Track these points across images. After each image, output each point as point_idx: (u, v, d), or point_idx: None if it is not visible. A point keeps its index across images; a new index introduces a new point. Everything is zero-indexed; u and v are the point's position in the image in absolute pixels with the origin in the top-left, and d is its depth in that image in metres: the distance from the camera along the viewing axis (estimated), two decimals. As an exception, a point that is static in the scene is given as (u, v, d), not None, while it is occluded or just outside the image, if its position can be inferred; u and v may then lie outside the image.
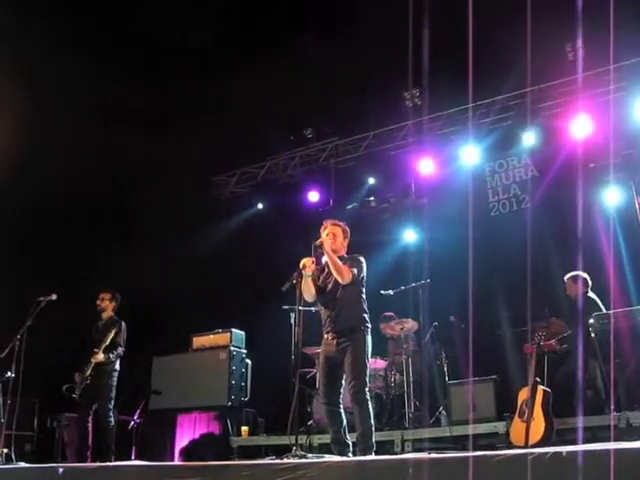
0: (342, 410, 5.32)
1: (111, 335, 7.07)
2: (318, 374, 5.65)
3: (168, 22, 8.72)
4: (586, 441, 5.18)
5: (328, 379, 5.38)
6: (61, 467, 5.05)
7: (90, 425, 7.05)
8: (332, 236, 5.54)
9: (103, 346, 7.05)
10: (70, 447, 8.40)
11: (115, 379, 7.21)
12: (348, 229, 5.70)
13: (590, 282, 7.02)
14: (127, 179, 9.86)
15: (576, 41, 8.04)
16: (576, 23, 6.49)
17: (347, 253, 5.66)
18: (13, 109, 8.44)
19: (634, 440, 4.59)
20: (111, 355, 7.11)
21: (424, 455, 3.81)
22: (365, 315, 5.45)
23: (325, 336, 5.46)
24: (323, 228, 5.61)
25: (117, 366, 7.24)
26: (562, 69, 8.55)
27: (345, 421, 5.30)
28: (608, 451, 2.91)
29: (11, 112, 8.44)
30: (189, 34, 8.69)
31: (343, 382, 5.34)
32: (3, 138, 8.51)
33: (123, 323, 7.30)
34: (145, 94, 9.29)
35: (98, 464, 6.13)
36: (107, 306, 7.40)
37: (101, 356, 7.03)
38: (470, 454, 3.13)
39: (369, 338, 5.38)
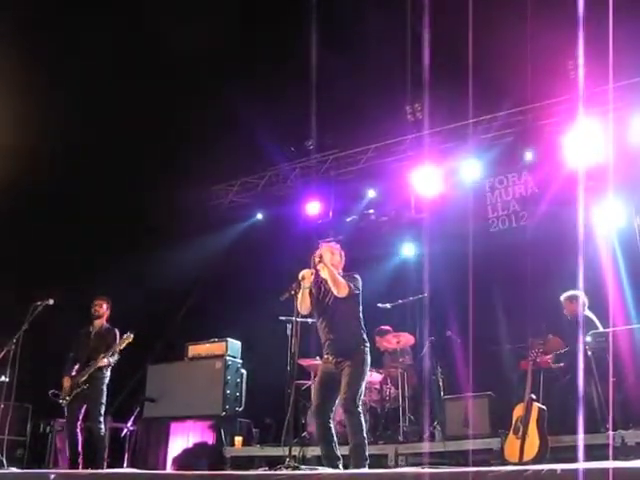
0: (332, 424, 5.35)
1: (125, 343, 7.09)
2: (313, 388, 5.64)
3: (170, 30, 8.74)
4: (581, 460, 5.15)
5: (322, 393, 5.40)
6: (52, 473, 5.03)
7: (79, 431, 7.01)
8: (330, 252, 5.59)
9: (112, 351, 7.06)
10: (62, 453, 8.35)
11: (106, 386, 7.18)
12: (343, 253, 5.74)
13: (587, 301, 7.01)
14: (127, 187, 9.86)
15: (577, 59, 8.08)
16: (578, 41, 6.52)
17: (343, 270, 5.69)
18: (13, 109, 8.45)
19: (629, 459, 4.57)
20: (111, 360, 7.11)
21: (420, 469, 3.79)
22: (363, 334, 5.49)
23: (325, 356, 5.51)
24: (318, 251, 5.63)
25: (108, 373, 7.21)
26: (564, 87, 8.58)
27: (335, 435, 5.32)
28: (603, 470, 2.90)
29: (11, 112, 8.45)
30: (189, 44, 8.72)
31: (337, 399, 5.35)
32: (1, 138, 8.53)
33: (117, 331, 7.29)
34: (148, 102, 9.31)
35: (89, 471, 6.11)
36: (104, 313, 7.39)
37: (106, 361, 7.04)
38: (468, 469, 3.12)
39: (368, 357, 5.42)
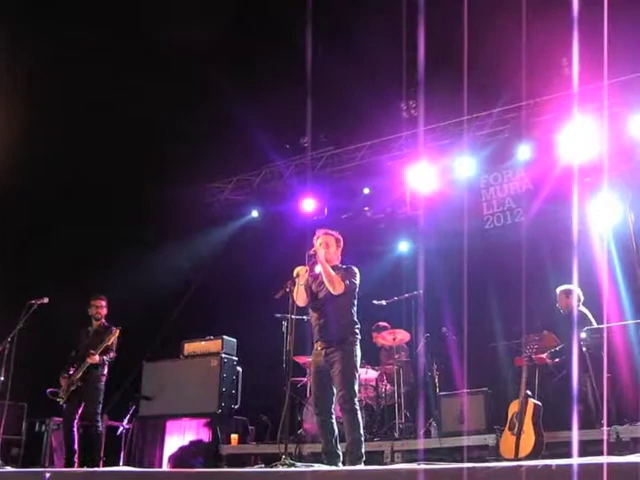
0: (334, 420, 5.33)
1: (112, 339, 7.09)
2: (310, 384, 5.64)
3: (165, 27, 8.73)
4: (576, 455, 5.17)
5: (319, 389, 5.38)
6: (48, 472, 5.01)
7: (76, 429, 7.00)
8: (325, 245, 5.56)
9: (101, 348, 7.06)
10: (58, 452, 8.34)
11: (103, 384, 7.18)
12: (341, 238, 5.71)
13: (582, 296, 7.02)
14: (121, 185, 9.84)
15: (572, 56, 8.08)
16: (572, 37, 6.53)
17: (341, 262, 5.67)
18: (11, 108, 8.42)
19: (624, 454, 4.59)
20: (105, 358, 7.11)
21: (417, 466, 3.80)
22: (355, 326, 5.47)
23: (315, 345, 5.48)
24: (316, 237, 5.62)
25: (105, 371, 7.21)
26: (558, 83, 8.59)
27: (336, 431, 5.31)
28: (598, 465, 2.91)
29: (9, 111, 8.42)
30: (186, 40, 8.71)
31: (334, 392, 5.33)
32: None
33: (115, 329, 7.28)
34: (143, 99, 9.29)
35: (85, 469, 6.10)
36: (104, 312, 7.39)
37: (97, 358, 7.04)
38: (463, 465, 3.12)
39: (358, 349, 5.40)
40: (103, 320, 7.40)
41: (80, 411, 7.03)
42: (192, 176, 10.51)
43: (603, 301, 6.81)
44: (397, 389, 7.76)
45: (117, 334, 7.16)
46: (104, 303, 7.41)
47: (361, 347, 5.46)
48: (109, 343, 7.11)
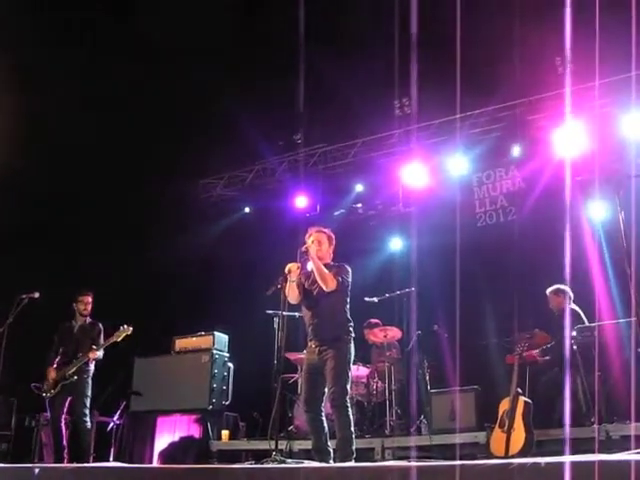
0: (324, 417, 5.33)
1: (122, 336, 7.08)
2: (300, 381, 5.63)
3: (159, 26, 8.71)
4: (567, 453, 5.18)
5: (310, 387, 5.38)
6: (37, 467, 5.00)
7: (64, 424, 6.98)
8: (317, 243, 5.56)
9: (106, 344, 7.08)
10: (47, 447, 8.30)
11: (90, 379, 7.15)
12: (333, 236, 5.71)
13: (572, 295, 7.04)
14: (114, 180, 9.81)
15: (565, 55, 8.10)
16: (565, 37, 6.54)
17: (333, 260, 5.66)
18: (6, 103, 8.39)
19: (613, 452, 4.60)
20: (100, 354, 7.09)
21: (407, 463, 3.80)
22: (348, 324, 5.47)
23: (309, 344, 5.48)
24: (308, 235, 5.61)
25: (93, 366, 7.18)
26: (551, 82, 8.61)
27: (327, 428, 5.31)
28: (587, 462, 2.92)
29: (4, 107, 8.39)
30: (177, 41, 8.70)
31: (325, 390, 5.33)
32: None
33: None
34: (135, 96, 9.26)
35: (75, 465, 6.07)
36: (90, 308, 7.36)
37: (99, 353, 7.03)
38: (454, 463, 3.13)
39: (352, 347, 5.40)
40: (88, 316, 7.36)
41: (67, 405, 6.99)
42: (185, 172, 10.48)
43: (595, 299, 6.83)
44: (388, 386, 7.76)
45: (130, 332, 7.13)
46: (91, 299, 7.37)
47: (355, 345, 5.46)
48: (118, 340, 7.10)
